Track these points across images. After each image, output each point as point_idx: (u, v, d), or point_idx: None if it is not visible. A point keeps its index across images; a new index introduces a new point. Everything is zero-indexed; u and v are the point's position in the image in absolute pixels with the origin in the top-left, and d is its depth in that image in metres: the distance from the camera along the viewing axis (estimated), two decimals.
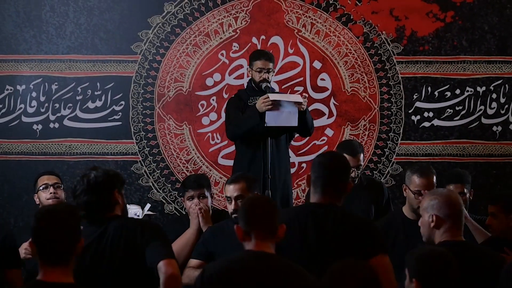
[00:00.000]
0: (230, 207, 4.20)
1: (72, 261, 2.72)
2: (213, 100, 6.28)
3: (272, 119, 5.03)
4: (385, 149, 6.32)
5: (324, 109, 6.29)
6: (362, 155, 4.92)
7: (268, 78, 5.23)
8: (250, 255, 2.92)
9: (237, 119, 5.20)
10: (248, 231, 2.94)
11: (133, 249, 3.15)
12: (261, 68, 5.21)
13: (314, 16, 6.32)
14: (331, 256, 3.01)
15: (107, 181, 3.27)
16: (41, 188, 4.66)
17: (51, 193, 4.62)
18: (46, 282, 2.66)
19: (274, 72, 5.43)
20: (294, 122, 5.07)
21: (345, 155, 4.49)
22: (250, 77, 5.36)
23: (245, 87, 5.46)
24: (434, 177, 4.48)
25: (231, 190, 4.21)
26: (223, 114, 6.12)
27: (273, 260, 2.91)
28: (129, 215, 3.90)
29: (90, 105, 6.29)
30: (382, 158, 6.31)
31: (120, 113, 6.29)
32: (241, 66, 6.26)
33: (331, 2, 6.32)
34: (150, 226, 3.30)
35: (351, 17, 6.33)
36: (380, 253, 3.23)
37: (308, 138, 6.11)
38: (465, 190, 4.76)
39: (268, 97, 4.97)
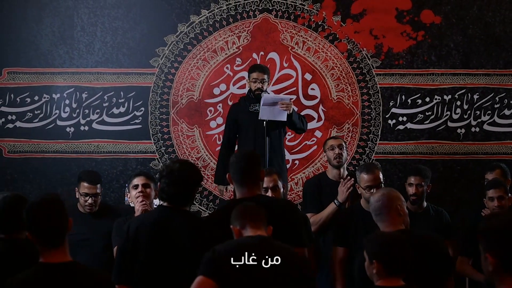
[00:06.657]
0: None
1: (66, 240, 2.73)
2: (219, 106, 6.49)
3: (265, 114, 5.30)
4: (366, 149, 6.49)
5: (314, 114, 6.47)
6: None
7: (262, 87, 5.43)
8: (254, 238, 2.99)
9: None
10: (242, 228, 3.04)
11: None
12: (255, 78, 5.47)
13: (305, 35, 6.52)
14: None
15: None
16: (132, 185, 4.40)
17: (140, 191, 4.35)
18: (49, 263, 2.68)
19: (268, 82, 5.55)
20: (283, 118, 5.34)
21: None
22: (249, 87, 5.60)
23: (246, 95, 5.69)
24: (380, 172, 4.54)
25: (267, 181, 4.34)
26: None
27: (274, 242, 3.03)
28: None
29: (115, 111, 6.48)
30: (363, 156, 6.49)
31: (140, 118, 6.47)
32: (243, 78, 6.40)
33: (319, 23, 6.51)
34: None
35: (337, 36, 6.52)
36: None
37: (301, 138, 6.32)
38: (423, 183, 4.86)
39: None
